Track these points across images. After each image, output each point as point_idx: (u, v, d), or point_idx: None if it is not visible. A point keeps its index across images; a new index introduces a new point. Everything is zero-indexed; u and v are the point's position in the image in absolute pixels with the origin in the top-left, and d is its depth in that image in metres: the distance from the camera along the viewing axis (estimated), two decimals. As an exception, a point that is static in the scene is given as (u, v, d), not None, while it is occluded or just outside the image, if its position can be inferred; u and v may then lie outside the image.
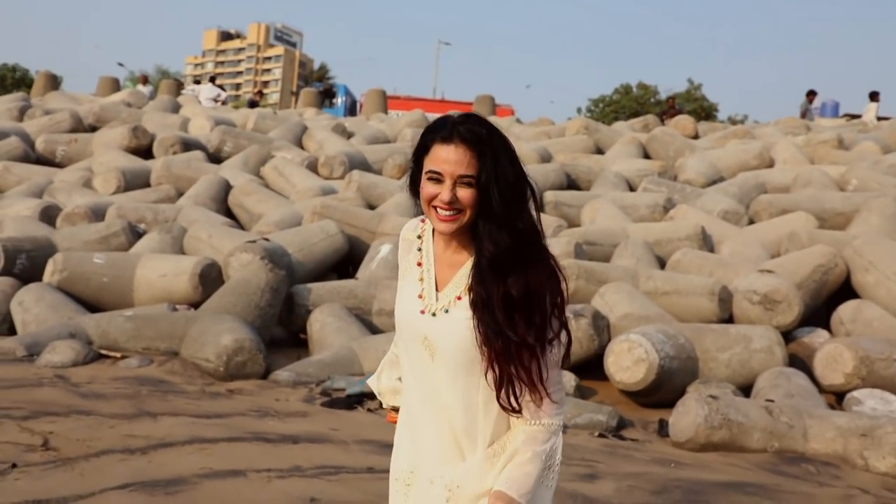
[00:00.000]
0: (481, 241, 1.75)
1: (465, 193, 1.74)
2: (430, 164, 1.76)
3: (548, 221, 8.79)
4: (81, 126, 13.75)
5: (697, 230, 8.55)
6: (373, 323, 7.11)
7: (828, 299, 7.53)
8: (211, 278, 7.28)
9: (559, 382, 1.82)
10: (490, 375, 1.75)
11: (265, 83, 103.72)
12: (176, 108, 16.49)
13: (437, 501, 1.83)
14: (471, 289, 1.76)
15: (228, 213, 9.98)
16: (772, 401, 5.47)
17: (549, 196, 10.00)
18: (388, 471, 2.02)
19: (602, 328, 6.52)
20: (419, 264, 1.89)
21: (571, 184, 11.41)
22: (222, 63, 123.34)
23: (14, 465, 3.83)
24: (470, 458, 1.81)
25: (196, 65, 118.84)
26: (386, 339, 6.45)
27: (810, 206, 9.40)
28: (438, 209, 1.75)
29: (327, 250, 8.18)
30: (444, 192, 1.74)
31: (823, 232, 8.48)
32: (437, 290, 1.84)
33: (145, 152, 12.41)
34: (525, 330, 1.72)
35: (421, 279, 1.87)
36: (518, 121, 19.04)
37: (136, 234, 8.59)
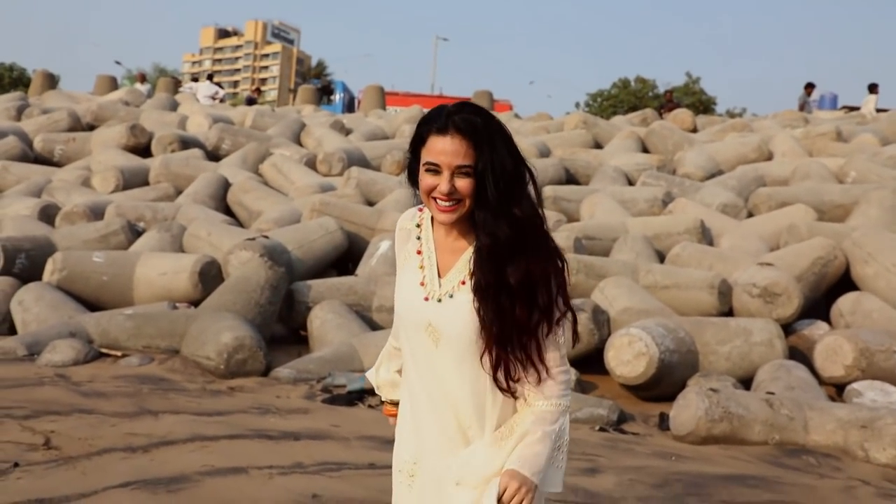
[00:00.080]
0: (479, 231, 1.77)
1: (463, 183, 1.75)
2: (427, 155, 1.77)
3: (547, 216, 8.77)
4: (79, 125, 13.74)
5: (696, 224, 8.55)
6: (373, 319, 7.12)
7: (827, 291, 7.54)
8: (211, 276, 7.28)
9: (565, 364, 1.84)
10: (486, 358, 1.77)
11: (263, 80, 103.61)
12: (174, 107, 16.48)
13: (445, 487, 1.83)
14: (472, 274, 1.78)
15: (227, 211, 9.98)
16: (772, 393, 5.48)
17: (548, 191, 9.99)
18: (389, 467, 2.03)
19: (602, 322, 6.52)
20: (419, 252, 1.90)
21: (570, 178, 11.41)
22: (220, 60, 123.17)
23: (16, 465, 3.84)
24: (477, 442, 1.82)
25: (194, 62, 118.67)
26: (386, 335, 6.42)
27: (809, 198, 9.41)
28: (438, 200, 1.77)
29: (327, 247, 8.18)
30: (443, 184, 1.75)
31: (822, 224, 8.49)
32: (439, 276, 1.85)
33: (143, 151, 12.40)
34: (525, 315, 1.74)
35: (421, 266, 1.88)
36: (516, 116, 19.02)
37: (135, 233, 8.59)
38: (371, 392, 5.51)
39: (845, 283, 7.56)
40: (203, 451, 4.19)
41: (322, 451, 4.33)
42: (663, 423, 5.52)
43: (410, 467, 1.92)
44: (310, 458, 4.16)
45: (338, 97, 28.50)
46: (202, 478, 3.79)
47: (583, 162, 11.90)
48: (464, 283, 1.81)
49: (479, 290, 1.76)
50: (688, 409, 5.17)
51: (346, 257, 8.49)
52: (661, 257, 8.17)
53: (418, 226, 1.93)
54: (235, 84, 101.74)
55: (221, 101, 20.21)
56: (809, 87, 18.97)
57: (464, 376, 1.81)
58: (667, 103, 20.32)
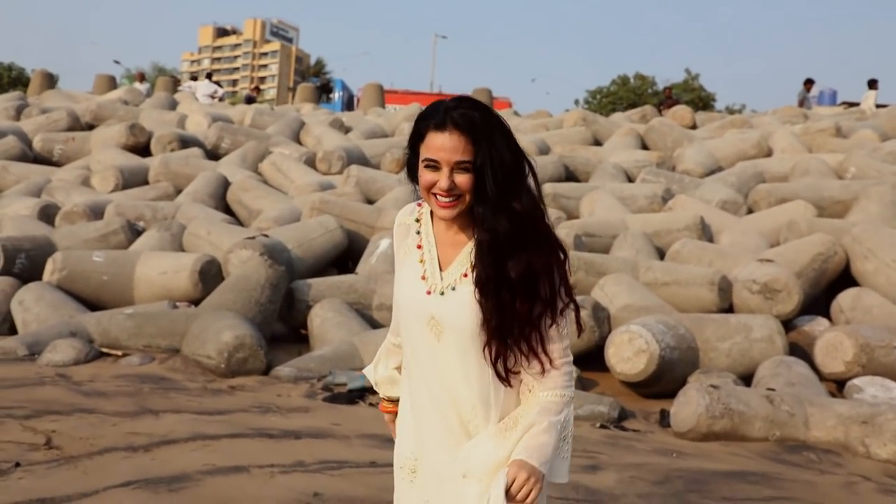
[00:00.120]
0: (479, 227, 1.78)
1: (462, 179, 1.75)
2: (426, 151, 1.77)
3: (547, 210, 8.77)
4: (78, 124, 13.73)
5: (696, 220, 8.55)
6: (373, 317, 7.12)
7: (827, 287, 7.54)
8: (211, 275, 7.28)
9: (568, 355, 1.85)
10: (487, 350, 1.78)
11: (262, 79, 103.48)
12: (173, 106, 16.47)
13: (447, 481, 1.83)
14: (474, 267, 1.79)
15: (227, 210, 9.97)
16: (773, 389, 5.48)
17: (548, 188, 9.99)
18: (391, 465, 2.03)
19: (602, 319, 6.52)
20: (419, 247, 1.90)
21: (570, 176, 11.41)
22: (219, 59, 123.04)
23: (17, 465, 3.84)
24: (481, 434, 1.82)
25: (192, 61, 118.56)
26: (386, 333, 6.45)
27: (809, 194, 9.40)
28: (438, 196, 1.77)
29: (327, 245, 8.18)
30: (443, 180, 1.75)
31: (822, 220, 8.49)
32: (440, 269, 1.85)
33: (143, 150, 12.40)
34: (526, 308, 1.75)
35: (422, 261, 1.88)
36: (516, 113, 19.03)
37: (135, 232, 8.59)
38: (372, 390, 5.51)
39: (845, 278, 7.56)
40: (204, 450, 4.20)
41: (323, 449, 4.33)
42: (664, 419, 5.53)
43: (412, 463, 1.92)
44: (311, 457, 4.17)
45: (337, 95, 28.46)
46: (203, 477, 3.79)
47: (582, 159, 11.90)
48: (466, 275, 1.82)
49: (479, 284, 1.77)
50: (688, 406, 5.17)
51: (346, 255, 8.50)
52: (661, 254, 8.17)
53: (417, 220, 1.94)
54: (234, 83, 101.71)
55: (220, 99, 20.20)
56: (809, 83, 18.96)
57: (467, 369, 1.81)
58: (666, 100, 20.31)
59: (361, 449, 4.38)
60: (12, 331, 6.99)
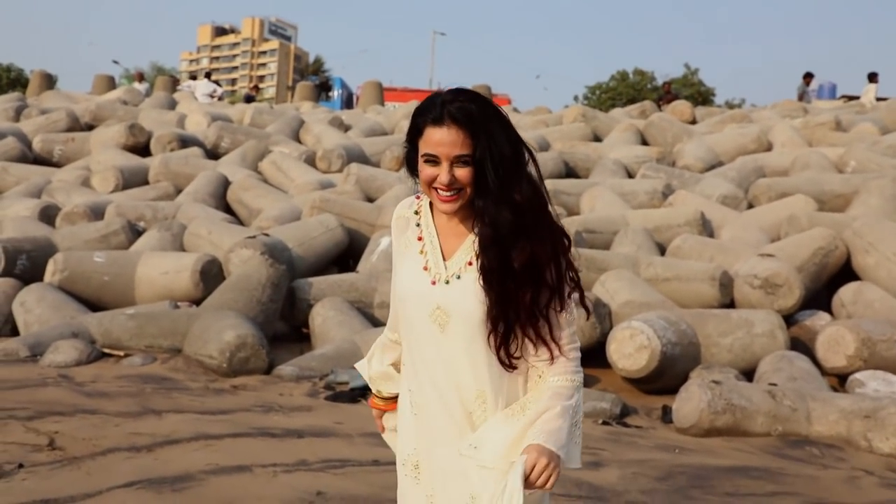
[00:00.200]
0: (480, 220, 1.78)
1: (462, 172, 1.75)
2: (424, 147, 1.77)
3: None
4: (78, 125, 13.73)
5: (697, 216, 8.55)
6: (374, 316, 7.12)
7: (828, 282, 7.53)
8: (212, 275, 7.28)
9: (575, 340, 1.85)
10: (492, 338, 1.78)
11: (261, 78, 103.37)
12: (172, 105, 16.46)
13: (453, 475, 1.83)
14: (478, 256, 1.79)
15: (227, 209, 9.97)
16: (775, 385, 5.48)
17: (548, 185, 9.67)
18: (393, 463, 2.03)
19: (603, 316, 6.52)
20: (419, 239, 1.90)
21: (570, 172, 11.40)
22: (217, 58, 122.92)
23: (21, 466, 3.85)
24: (489, 421, 1.82)
25: (191, 61, 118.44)
26: (388, 331, 6.45)
27: (809, 188, 9.39)
28: (439, 190, 1.77)
29: (327, 244, 8.18)
30: (443, 174, 1.75)
31: (823, 214, 8.48)
32: (444, 259, 1.85)
33: (143, 150, 12.39)
34: (531, 297, 1.76)
35: (422, 252, 1.88)
36: (515, 110, 19.02)
37: (135, 233, 8.59)
38: (374, 388, 5.51)
39: (846, 273, 7.55)
40: (207, 449, 4.20)
41: (326, 448, 4.33)
42: (666, 415, 5.53)
43: (414, 460, 1.92)
44: (313, 456, 4.17)
45: (336, 93, 28.42)
46: (207, 476, 3.80)
47: (582, 155, 11.89)
48: (471, 263, 1.82)
49: (485, 275, 1.77)
50: (690, 402, 5.17)
51: (346, 254, 8.50)
52: (662, 250, 8.17)
53: (416, 213, 1.93)
54: (233, 82, 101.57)
55: (220, 98, 20.19)
56: (808, 76, 18.92)
57: (474, 357, 1.81)
58: (665, 95, 20.29)
59: (364, 447, 4.38)
60: (14, 332, 6.99)
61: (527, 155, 1.81)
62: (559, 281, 1.79)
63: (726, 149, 11.98)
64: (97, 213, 9.21)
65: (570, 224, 8.31)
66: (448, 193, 1.77)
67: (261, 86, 41.32)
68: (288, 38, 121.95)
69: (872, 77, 17.86)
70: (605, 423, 5.34)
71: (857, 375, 6.00)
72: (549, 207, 1.83)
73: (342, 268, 8.41)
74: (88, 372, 5.89)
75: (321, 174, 11.11)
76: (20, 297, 7.10)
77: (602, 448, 4.65)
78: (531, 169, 1.81)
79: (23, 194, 10.46)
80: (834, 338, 6.22)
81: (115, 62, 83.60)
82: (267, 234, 7.67)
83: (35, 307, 6.94)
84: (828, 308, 7.23)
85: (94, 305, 7.25)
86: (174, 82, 24.04)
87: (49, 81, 20.78)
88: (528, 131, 13.34)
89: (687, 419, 5.15)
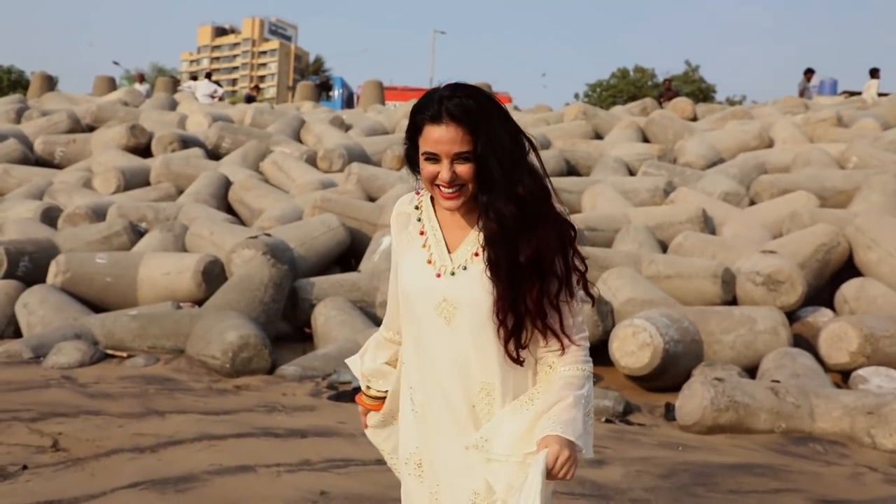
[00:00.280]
0: (485, 215, 1.78)
1: (463, 169, 1.75)
2: (424, 145, 1.77)
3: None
4: (79, 126, 13.73)
5: (698, 213, 8.54)
6: (377, 315, 7.12)
7: (831, 278, 7.53)
8: (214, 275, 7.29)
9: (583, 329, 1.86)
10: (502, 330, 1.78)
11: (261, 78, 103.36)
12: (173, 106, 16.47)
13: (459, 469, 1.82)
14: (484, 248, 1.79)
15: (229, 210, 9.98)
16: (777, 381, 5.48)
17: (549, 183, 9.95)
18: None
19: (606, 314, 6.52)
20: (422, 233, 1.89)
21: (571, 170, 11.39)
22: (218, 59, 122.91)
23: (25, 467, 3.85)
24: (498, 413, 1.81)
25: (191, 61, 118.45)
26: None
27: (811, 185, 9.38)
28: (442, 188, 1.77)
29: (329, 244, 8.19)
30: (444, 172, 1.75)
31: (825, 211, 8.47)
32: (448, 251, 1.85)
33: (144, 151, 12.40)
34: (539, 289, 1.76)
35: (425, 245, 1.87)
36: (516, 108, 19.01)
37: (137, 233, 8.59)
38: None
39: (849, 269, 7.55)
40: (210, 450, 4.21)
41: (329, 447, 4.34)
42: (669, 413, 5.53)
43: (417, 458, 1.92)
44: (317, 455, 4.17)
45: (337, 93, 28.40)
46: (210, 477, 3.80)
47: (583, 153, 11.88)
48: (477, 254, 1.81)
49: (492, 268, 1.77)
50: (693, 399, 5.17)
51: (348, 254, 8.50)
52: (664, 247, 8.16)
53: (417, 207, 1.93)
54: (234, 82, 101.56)
55: (220, 99, 20.19)
56: (809, 72, 18.89)
57: (481, 349, 1.80)
58: (666, 92, 20.27)
59: (367, 447, 4.35)
60: (17, 334, 7.00)
61: (527, 145, 1.81)
62: (567, 271, 1.80)
63: (727, 146, 11.97)
64: (99, 214, 9.22)
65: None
66: (450, 190, 1.76)
67: (261, 86, 41.32)
68: (288, 38, 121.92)
69: (874, 73, 17.83)
70: (608, 420, 5.34)
71: (860, 372, 5.99)
72: (553, 197, 1.83)
73: (344, 267, 8.41)
74: (91, 373, 5.89)
75: (322, 174, 11.11)
76: (23, 299, 7.11)
77: (605, 446, 4.65)
78: (532, 158, 1.81)
79: (24, 196, 10.47)
80: (837, 334, 6.21)
81: (116, 63, 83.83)
82: (269, 235, 7.67)
83: (38, 309, 6.95)
84: (830, 304, 7.22)
85: (96, 307, 7.26)
86: (175, 83, 24.05)
87: (50, 83, 20.77)
88: (528, 129, 13.25)
89: (690, 416, 5.15)
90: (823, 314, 6.99)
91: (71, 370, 5.92)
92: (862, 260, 7.47)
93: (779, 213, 8.76)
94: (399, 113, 15.99)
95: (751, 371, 6.16)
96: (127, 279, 7.38)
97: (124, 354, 6.32)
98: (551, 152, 11.53)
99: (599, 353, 6.36)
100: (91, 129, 13.74)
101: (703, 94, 40.02)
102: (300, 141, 13.33)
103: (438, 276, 1.83)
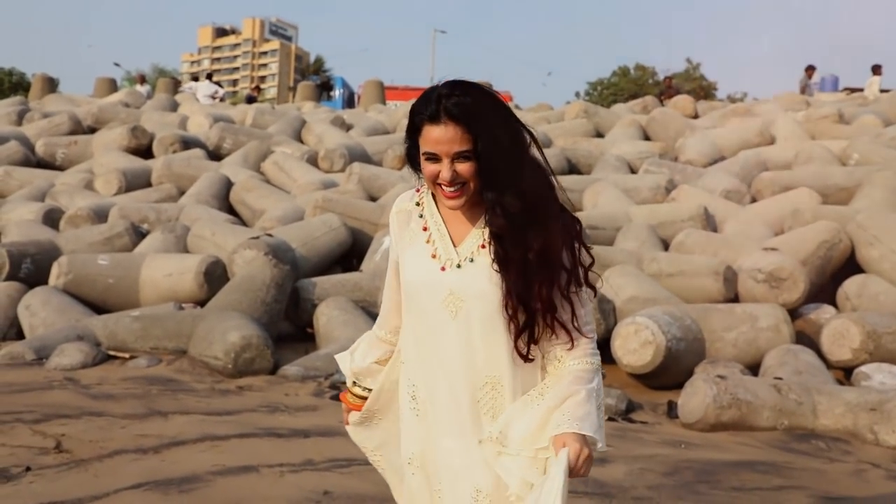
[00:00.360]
0: (490, 212, 1.77)
1: (464, 167, 1.74)
2: (424, 144, 1.76)
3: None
4: (80, 128, 13.74)
5: (700, 210, 8.54)
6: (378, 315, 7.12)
7: (833, 275, 7.52)
8: (216, 276, 7.29)
9: (591, 322, 1.86)
10: (512, 324, 1.77)
11: (262, 78, 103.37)
12: (174, 107, 16.47)
13: (463, 467, 1.82)
14: (491, 244, 1.79)
15: (230, 210, 9.98)
16: (780, 378, 5.47)
17: (551, 182, 9.94)
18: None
19: (608, 312, 6.52)
20: (425, 228, 1.89)
21: (572, 168, 11.39)
22: (218, 59, 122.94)
23: (28, 469, 3.86)
24: (508, 408, 1.80)
25: (192, 62, 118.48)
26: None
27: (812, 182, 9.37)
28: (443, 187, 1.77)
29: (331, 244, 8.19)
30: (445, 171, 1.75)
31: (826, 207, 8.47)
32: (454, 245, 1.84)
33: (145, 152, 12.40)
34: (548, 284, 1.76)
35: (429, 241, 1.86)
36: (517, 106, 18.99)
37: (139, 235, 8.60)
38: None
39: (851, 266, 7.54)
40: (213, 450, 4.21)
41: (332, 447, 4.34)
42: (672, 411, 5.53)
43: (420, 458, 1.91)
44: (320, 455, 4.18)
45: (337, 93, 28.40)
46: (213, 477, 3.80)
47: (584, 151, 11.87)
48: (483, 246, 1.81)
49: (500, 264, 1.77)
50: (696, 397, 5.17)
51: (350, 253, 8.50)
52: (666, 245, 8.16)
53: (418, 204, 1.93)
54: (235, 83, 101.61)
55: (221, 100, 20.20)
56: (810, 69, 18.84)
57: (489, 342, 1.80)
58: (667, 90, 20.24)
59: (370, 446, 4.38)
60: (19, 336, 7.02)
61: (528, 139, 1.80)
62: (575, 263, 1.80)
63: (729, 143, 11.95)
64: (101, 215, 9.23)
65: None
66: (452, 189, 1.76)
67: (262, 86, 41.36)
68: (288, 39, 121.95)
69: (876, 69, 17.77)
70: (610, 419, 5.33)
71: (863, 368, 5.99)
72: (557, 191, 1.82)
73: (346, 267, 8.41)
74: (94, 374, 5.90)
75: (323, 174, 11.11)
76: (25, 301, 7.12)
77: (608, 444, 4.64)
78: (534, 151, 1.80)
79: (26, 198, 10.48)
80: (839, 331, 6.21)
81: (117, 64, 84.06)
82: (270, 235, 7.67)
83: (40, 310, 6.96)
84: (832, 301, 7.22)
85: (98, 308, 7.27)
86: (176, 84, 24.06)
87: (51, 85, 20.77)
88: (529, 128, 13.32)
89: (693, 414, 5.15)
90: (825, 311, 6.99)
91: (73, 371, 5.93)
92: (864, 257, 7.47)
93: (780, 210, 8.75)
94: (400, 112, 15.98)
95: (753, 368, 6.16)
96: (129, 280, 7.39)
97: (127, 355, 6.33)
98: (552, 151, 11.51)
99: (602, 350, 6.31)
100: (92, 130, 13.74)
101: (703, 91, 39.98)
102: (301, 141, 13.33)
103: (443, 269, 1.82)
